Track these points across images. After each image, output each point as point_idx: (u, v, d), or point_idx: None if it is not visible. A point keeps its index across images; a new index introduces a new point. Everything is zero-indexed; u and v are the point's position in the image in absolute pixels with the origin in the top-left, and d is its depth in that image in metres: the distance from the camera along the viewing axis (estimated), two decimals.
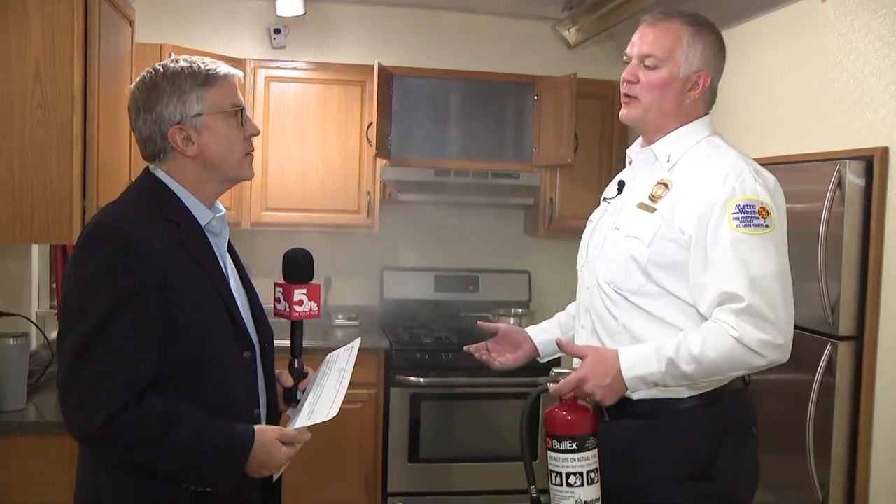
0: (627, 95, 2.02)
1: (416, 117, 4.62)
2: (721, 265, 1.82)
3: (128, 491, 1.70)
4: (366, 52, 4.60)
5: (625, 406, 1.91)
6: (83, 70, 2.61)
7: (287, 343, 1.99)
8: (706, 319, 1.86)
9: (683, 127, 2.00)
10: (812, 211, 2.92)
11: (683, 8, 2.07)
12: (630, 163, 2.14)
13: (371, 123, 4.33)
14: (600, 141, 4.64)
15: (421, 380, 4.14)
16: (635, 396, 1.90)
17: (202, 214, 1.82)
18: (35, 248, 3.42)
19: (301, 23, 4.56)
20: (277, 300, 1.98)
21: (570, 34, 4.70)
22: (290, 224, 4.38)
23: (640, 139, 2.11)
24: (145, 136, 1.80)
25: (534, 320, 4.49)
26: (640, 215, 1.96)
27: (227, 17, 4.56)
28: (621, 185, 2.12)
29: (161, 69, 1.79)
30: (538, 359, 2.30)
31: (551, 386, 1.88)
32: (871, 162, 2.87)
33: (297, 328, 1.99)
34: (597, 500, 1.83)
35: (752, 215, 1.83)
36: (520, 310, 4.70)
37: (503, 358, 2.26)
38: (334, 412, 1.76)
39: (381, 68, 4.24)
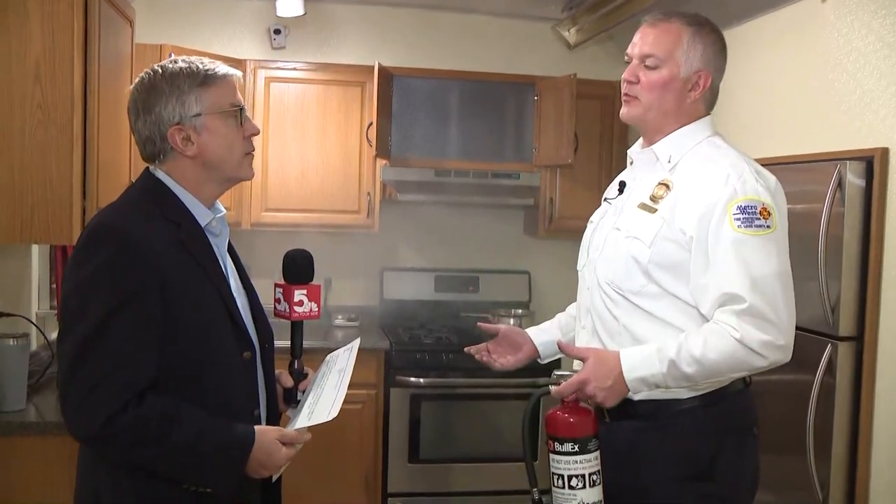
0: (628, 95, 2.02)
1: (416, 117, 4.62)
2: (722, 266, 1.82)
3: (128, 491, 1.70)
4: (366, 53, 4.60)
5: (626, 407, 1.91)
6: (83, 70, 2.61)
7: (287, 343, 1.99)
8: (707, 320, 1.86)
9: (684, 127, 2.00)
10: (812, 211, 2.92)
11: (684, 9, 2.07)
12: (631, 163, 2.14)
13: (371, 124, 4.33)
14: (600, 141, 4.64)
15: (421, 380, 4.14)
16: (636, 397, 1.90)
17: (202, 215, 1.81)
18: (35, 248, 3.42)
19: (301, 23, 4.55)
20: (277, 301, 1.98)
21: (571, 34, 4.70)
22: (290, 224, 4.38)
23: (640, 140, 2.11)
24: (145, 138, 1.79)
25: (534, 321, 4.49)
26: (641, 216, 1.96)
27: (227, 17, 4.56)
28: (622, 185, 2.11)
29: (159, 70, 1.79)
30: (539, 360, 2.30)
31: (553, 388, 1.88)
32: (871, 162, 2.87)
33: (297, 329, 1.99)
34: (599, 502, 1.83)
35: (753, 216, 1.83)
36: (520, 310, 4.70)
37: (504, 359, 2.26)
38: (334, 413, 1.76)
39: (381, 68, 4.24)
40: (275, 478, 1.84)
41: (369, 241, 4.67)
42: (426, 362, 4.18)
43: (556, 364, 2.36)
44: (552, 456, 1.84)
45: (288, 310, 1.95)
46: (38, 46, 2.55)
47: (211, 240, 1.83)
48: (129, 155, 3.11)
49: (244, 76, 4.21)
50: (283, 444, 1.75)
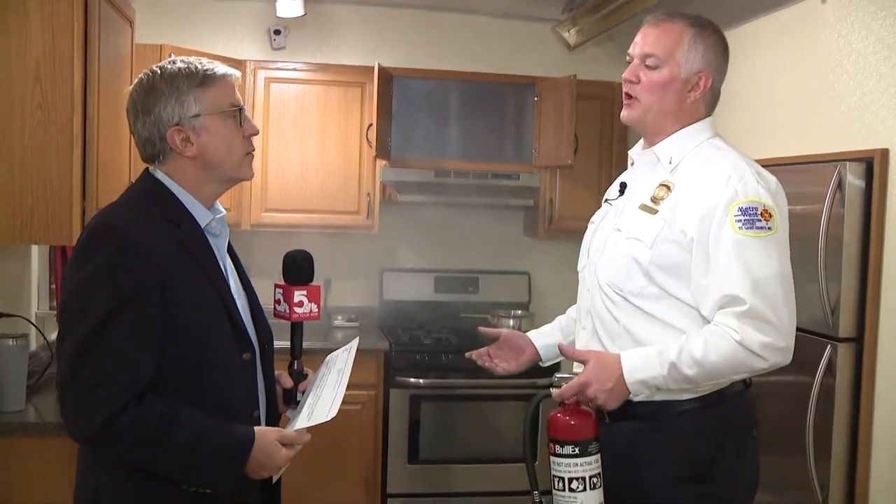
0: (628, 95, 2.02)
1: (416, 118, 4.62)
2: (723, 267, 1.82)
3: (127, 492, 1.70)
4: (366, 53, 4.60)
5: (626, 408, 1.90)
6: (83, 70, 2.61)
7: (287, 344, 1.99)
8: (708, 321, 1.86)
9: (685, 128, 2.00)
10: (812, 212, 2.91)
11: (685, 10, 2.07)
12: (632, 164, 2.14)
13: (371, 124, 4.33)
14: (600, 142, 4.64)
15: (420, 381, 4.14)
16: (636, 399, 1.90)
17: (202, 215, 1.81)
18: (35, 248, 3.42)
19: (301, 24, 4.55)
20: (277, 301, 1.98)
21: (571, 35, 4.70)
22: (289, 225, 4.38)
23: (641, 141, 2.10)
24: (144, 138, 1.79)
25: (533, 321, 4.52)
26: (642, 217, 1.96)
27: (227, 17, 4.55)
28: (623, 186, 2.11)
29: (158, 71, 1.78)
30: (540, 363, 2.30)
31: (554, 391, 1.88)
32: (871, 163, 2.86)
33: (296, 329, 1.99)
34: None
35: (754, 218, 1.83)
36: (519, 311, 4.70)
37: (506, 364, 2.25)
38: (333, 413, 1.76)
39: (380, 69, 4.24)
40: (275, 479, 1.84)
41: (369, 241, 4.67)
42: (426, 363, 4.18)
43: (557, 366, 2.36)
44: (553, 458, 1.84)
45: (288, 310, 1.95)
46: (38, 46, 2.55)
47: (211, 240, 1.82)
48: (129, 155, 3.11)
49: (244, 77, 4.21)
50: (283, 444, 1.75)
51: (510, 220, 4.94)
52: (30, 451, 2.54)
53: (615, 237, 2.01)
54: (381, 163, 4.43)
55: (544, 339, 2.28)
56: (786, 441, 3.00)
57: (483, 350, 2.28)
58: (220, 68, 1.82)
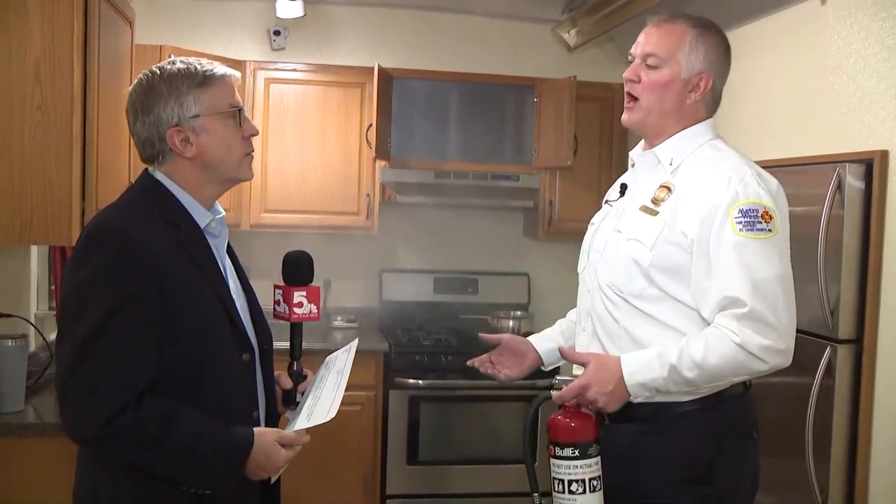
0: (630, 96, 2.02)
1: (415, 119, 4.62)
2: (724, 269, 1.82)
3: (126, 492, 1.70)
4: (365, 54, 4.60)
5: (626, 410, 1.90)
6: (83, 71, 2.61)
7: (286, 345, 1.99)
8: (708, 323, 1.86)
9: (686, 130, 2.00)
10: (812, 214, 2.91)
11: (685, 10, 2.07)
12: (632, 165, 2.14)
13: (371, 125, 4.33)
14: (600, 143, 4.64)
15: (420, 382, 4.14)
16: (636, 401, 1.90)
17: (201, 216, 1.81)
18: (34, 249, 3.42)
19: (301, 24, 4.56)
20: (277, 302, 1.98)
21: (570, 36, 4.70)
22: (289, 226, 4.38)
23: (642, 142, 2.10)
24: (143, 139, 1.79)
25: (533, 323, 4.52)
26: (643, 218, 1.96)
27: (227, 18, 4.55)
28: (623, 187, 2.11)
29: (158, 71, 1.78)
30: (542, 367, 2.29)
31: (554, 393, 1.88)
32: (870, 165, 2.86)
33: (296, 330, 1.99)
34: None
35: (755, 219, 1.83)
36: (519, 312, 4.69)
37: (508, 370, 2.24)
38: (333, 413, 1.76)
39: (380, 70, 4.24)
40: (273, 479, 1.84)
41: (368, 242, 4.66)
42: (425, 364, 4.18)
43: (557, 369, 2.36)
44: (553, 461, 1.84)
45: (287, 311, 1.95)
46: (37, 47, 2.55)
47: (210, 241, 1.82)
48: (129, 156, 3.11)
49: (244, 77, 4.21)
50: (282, 445, 1.75)
51: (510, 221, 4.94)
52: (29, 452, 2.54)
53: (615, 238, 2.01)
54: (380, 163, 4.43)
55: (546, 343, 2.26)
56: (785, 443, 3.00)
57: (485, 357, 2.26)
58: (220, 69, 1.81)
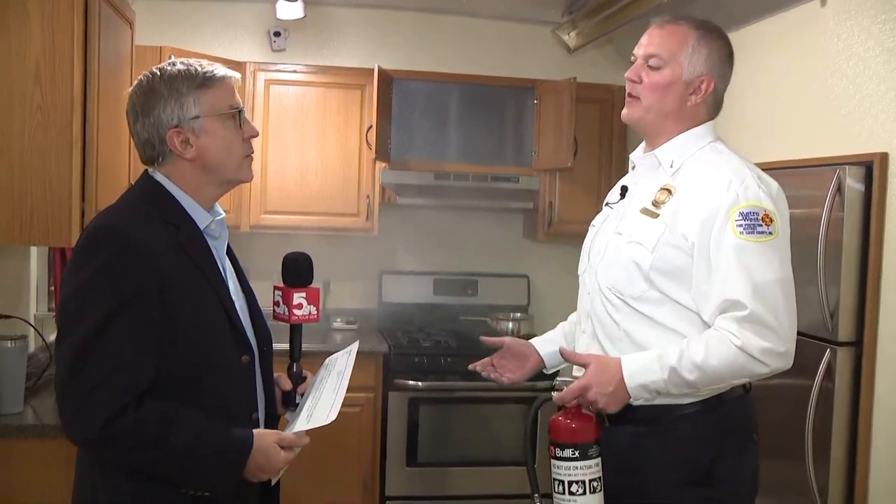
0: (630, 95, 2.02)
1: (415, 121, 4.62)
2: (724, 272, 1.82)
3: (126, 494, 1.69)
4: (366, 56, 4.60)
5: (626, 412, 1.90)
6: (83, 71, 2.60)
7: (286, 347, 1.99)
8: (708, 326, 1.86)
9: (686, 132, 2.00)
10: (812, 216, 2.91)
11: (685, 12, 2.07)
12: (633, 168, 2.14)
13: (371, 126, 4.32)
14: (600, 145, 4.64)
15: (419, 383, 4.14)
16: (636, 403, 1.90)
17: (201, 218, 1.81)
18: (34, 250, 3.42)
19: (301, 26, 4.56)
20: (276, 304, 1.98)
21: (570, 38, 4.70)
22: (289, 227, 4.37)
23: (642, 144, 2.10)
24: (143, 140, 1.79)
25: (533, 324, 4.52)
26: (643, 221, 1.96)
27: (227, 19, 4.55)
28: (624, 190, 2.11)
29: (158, 73, 1.78)
30: (544, 370, 2.29)
31: (555, 394, 1.88)
32: (870, 167, 2.86)
33: (296, 332, 1.98)
34: None
35: (755, 222, 1.83)
36: (518, 314, 4.70)
37: (511, 374, 2.23)
38: (333, 416, 1.76)
39: (380, 71, 4.24)
40: (273, 481, 1.84)
41: (368, 244, 4.66)
42: (424, 366, 4.18)
43: (558, 372, 2.36)
44: (553, 461, 1.84)
45: (287, 313, 1.95)
46: (38, 47, 2.55)
47: (210, 242, 1.82)
48: (129, 157, 3.11)
49: (244, 78, 4.21)
50: (282, 447, 1.75)
51: (509, 222, 4.94)
52: (28, 453, 2.54)
53: (616, 241, 2.01)
54: (380, 165, 4.43)
55: (548, 346, 2.26)
56: (785, 445, 3.00)
57: (486, 360, 2.26)
58: (220, 70, 1.81)
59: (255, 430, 1.75)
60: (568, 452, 1.82)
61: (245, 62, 4.30)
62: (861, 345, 2.88)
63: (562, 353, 2.07)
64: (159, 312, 1.66)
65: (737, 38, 3.57)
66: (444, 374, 4.16)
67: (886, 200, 2.83)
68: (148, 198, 1.79)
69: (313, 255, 2.02)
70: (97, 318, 1.61)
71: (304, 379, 2.00)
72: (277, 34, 4.56)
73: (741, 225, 1.82)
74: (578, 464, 1.81)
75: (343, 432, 3.99)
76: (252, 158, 1.88)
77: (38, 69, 2.55)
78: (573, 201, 4.54)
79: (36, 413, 2.72)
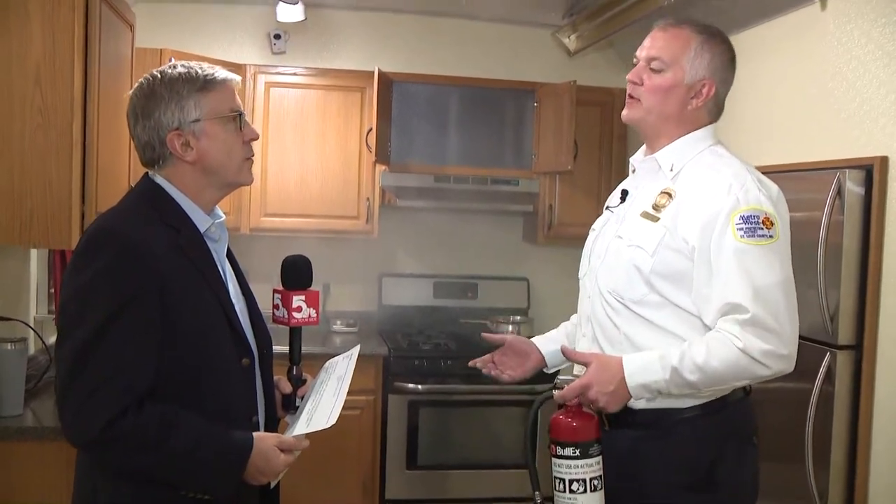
0: (631, 97, 2.02)
1: (415, 123, 4.62)
2: (725, 276, 1.82)
3: (126, 496, 1.69)
4: (366, 58, 4.61)
5: (626, 416, 1.90)
6: (83, 74, 2.60)
7: (286, 349, 1.98)
8: (709, 330, 1.86)
9: (687, 135, 2.00)
10: (811, 219, 2.92)
11: (685, 15, 2.07)
12: (633, 171, 2.14)
13: (371, 129, 4.32)
14: (600, 148, 4.64)
15: (419, 386, 4.13)
16: (636, 406, 1.90)
17: (201, 220, 1.81)
18: (34, 252, 3.42)
19: (301, 28, 4.56)
20: (276, 307, 1.97)
21: (570, 41, 4.70)
22: (289, 230, 4.38)
23: (643, 147, 2.10)
24: (144, 143, 1.79)
25: (532, 327, 4.51)
26: (644, 224, 1.96)
27: (228, 22, 4.56)
28: (624, 193, 2.11)
29: (158, 75, 1.78)
30: (545, 369, 2.28)
31: (556, 392, 1.88)
32: (870, 171, 2.87)
33: (295, 335, 1.98)
34: None
35: (756, 226, 1.83)
36: (518, 317, 4.70)
37: (512, 371, 2.23)
38: (333, 420, 1.75)
39: (380, 74, 4.24)
40: (273, 484, 1.84)
41: (368, 246, 4.66)
42: (424, 369, 4.17)
43: (557, 371, 2.35)
44: (554, 460, 1.85)
45: (287, 316, 1.95)
46: (38, 49, 2.55)
47: (210, 245, 1.82)
48: (129, 160, 3.11)
49: (244, 81, 4.21)
50: (282, 450, 1.75)
51: (509, 225, 4.94)
52: (28, 456, 2.53)
53: (616, 244, 2.01)
54: (380, 168, 4.43)
55: (550, 344, 2.26)
56: (785, 448, 3.00)
57: (487, 357, 2.25)
58: (221, 73, 1.81)
59: (254, 433, 1.75)
60: (569, 451, 1.82)
61: (245, 65, 4.30)
62: (861, 348, 2.88)
63: (563, 350, 2.07)
64: (159, 315, 1.66)
65: (737, 41, 3.57)
66: (444, 376, 4.16)
67: (886, 204, 2.84)
68: (148, 200, 1.78)
69: (313, 258, 2.02)
70: (97, 321, 1.61)
71: (304, 382, 2.00)
72: (278, 37, 4.56)
73: (742, 228, 1.83)
74: (579, 462, 1.81)
75: (343, 435, 3.98)
76: (252, 161, 1.88)
77: (39, 71, 2.55)
78: (573, 204, 4.55)
79: (36, 415, 2.71)
